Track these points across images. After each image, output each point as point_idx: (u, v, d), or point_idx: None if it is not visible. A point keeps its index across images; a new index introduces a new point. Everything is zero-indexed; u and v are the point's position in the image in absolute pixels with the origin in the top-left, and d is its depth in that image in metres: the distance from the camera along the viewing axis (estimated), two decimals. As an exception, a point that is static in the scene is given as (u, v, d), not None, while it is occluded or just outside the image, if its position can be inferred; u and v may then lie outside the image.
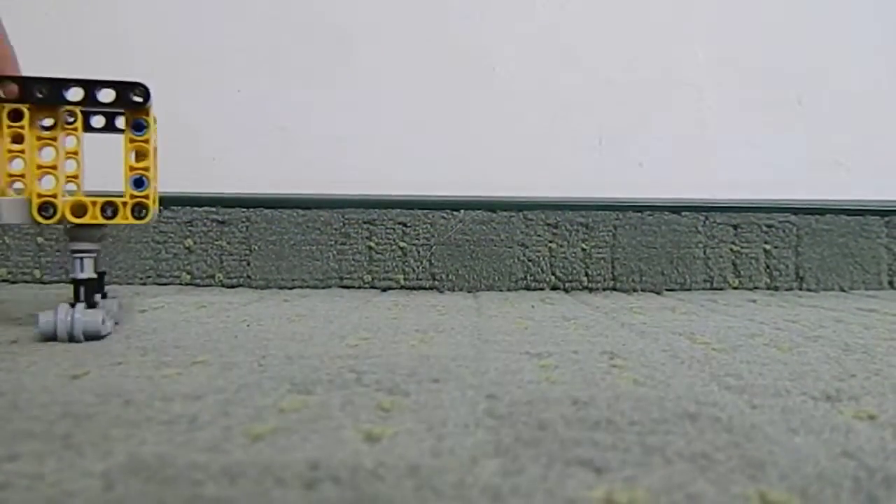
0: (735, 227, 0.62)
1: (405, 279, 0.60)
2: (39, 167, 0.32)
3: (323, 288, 0.59)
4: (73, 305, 0.32)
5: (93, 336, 0.31)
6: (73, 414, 0.19)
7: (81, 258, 0.33)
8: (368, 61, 0.66)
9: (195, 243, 0.60)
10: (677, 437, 0.18)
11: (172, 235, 0.60)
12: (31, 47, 0.67)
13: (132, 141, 0.33)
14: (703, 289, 0.61)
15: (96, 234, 0.34)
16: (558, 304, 0.50)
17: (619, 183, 0.65)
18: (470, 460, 0.16)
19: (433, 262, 0.60)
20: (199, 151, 0.65)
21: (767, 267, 0.62)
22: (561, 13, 0.67)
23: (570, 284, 0.60)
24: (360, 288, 0.60)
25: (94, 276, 0.33)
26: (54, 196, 0.32)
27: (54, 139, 0.32)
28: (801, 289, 0.62)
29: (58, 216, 0.32)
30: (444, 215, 0.60)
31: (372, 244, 0.60)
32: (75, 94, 0.31)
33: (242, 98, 0.65)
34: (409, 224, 0.60)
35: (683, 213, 0.61)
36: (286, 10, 0.66)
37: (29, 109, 0.32)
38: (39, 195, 0.32)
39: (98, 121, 0.35)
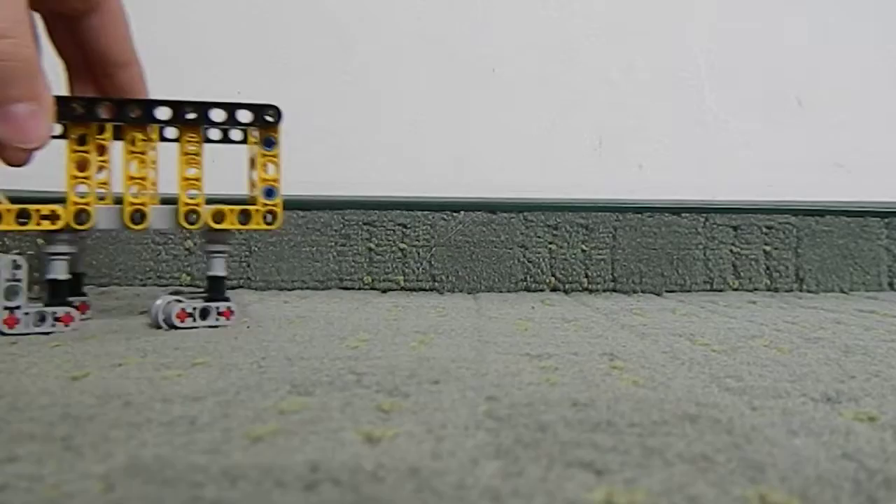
0: (735, 228, 0.62)
1: (405, 280, 0.60)
2: (185, 179, 0.36)
3: (323, 289, 0.59)
4: (210, 299, 0.37)
5: (171, 325, 0.36)
6: (72, 415, 0.19)
7: (216, 258, 0.37)
8: (368, 61, 0.66)
9: (195, 244, 0.60)
10: (677, 439, 0.18)
11: (172, 237, 0.60)
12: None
13: (263, 155, 0.37)
14: (703, 290, 0.61)
15: (230, 238, 0.38)
16: (558, 305, 0.50)
17: (619, 184, 0.65)
18: (470, 462, 0.16)
19: (433, 263, 0.60)
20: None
21: (767, 268, 0.62)
22: (561, 13, 0.67)
23: (570, 286, 0.60)
24: (359, 289, 0.60)
25: (225, 273, 0.37)
26: (198, 205, 0.36)
27: (198, 154, 0.36)
28: (801, 290, 0.62)
29: (200, 222, 0.36)
30: (444, 217, 0.60)
31: (372, 245, 0.60)
32: (218, 115, 0.36)
33: (242, 98, 0.65)
34: (408, 225, 0.60)
35: (683, 215, 0.61)
36: (286, 10, 0.66)
37: (178, 129, 0.36)
38: (186, 204, 0.36)
39: (214, 133, 0.39)
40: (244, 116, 0.36)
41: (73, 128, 0.34)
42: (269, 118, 0.37)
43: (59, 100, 0.32)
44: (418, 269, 0.60)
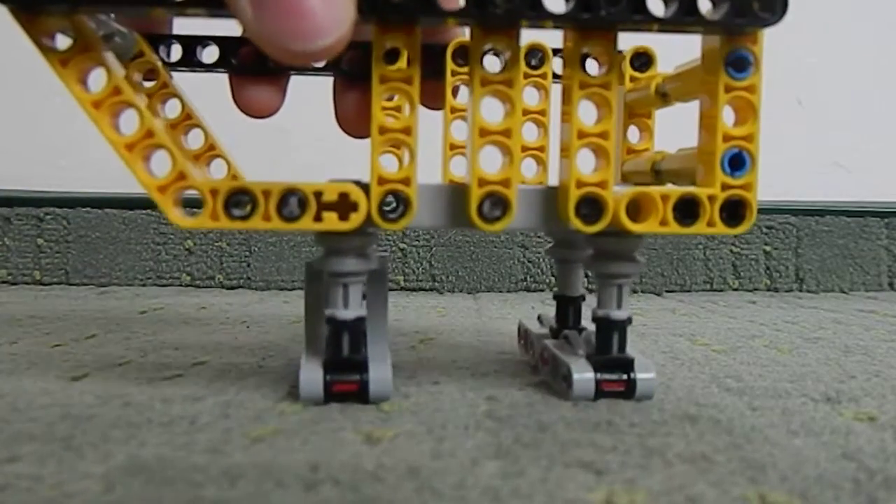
0: (735, 228, 0.62)
1: (405, 280, 0.60)
2: (581, 135, 0.19)
3: (323, 289, 0.59)
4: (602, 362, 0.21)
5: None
6: (72, 416, 0.19)
7: (614, 284, 0.21)
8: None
9: (195, 244, 0.60)
10: (677, 439, 0.18)
11: (172, 237, 0.60)
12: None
13: (727, 89, 0.20)
14: (703, 290, 0.61)
15: (638, 248, 0.21)
16: (558, 305, 0.50)
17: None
18: (470, 462, 0.16)
19: (433, 263, 0.60)
20: (200, 153, 0.65)
21: (767, 268, 0.62)
22: (561, 14, 0.67)
23: (570, 286, 0.60)
24: (360, 289, 0.60)
25: (628, 316, 0.22)
26: (602, 185, 0.19)
27: (608, 85, 0.19)
28: (801, 290, 0.62)
29: (606, 219, 0.19)
30: (444, 216, 0.60)
31: (372, 245, 0.60)
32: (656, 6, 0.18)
33: (242, 99, 0.65)
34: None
35: (683, 215, 0.61)
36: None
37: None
38: (580, 184, 0.19)
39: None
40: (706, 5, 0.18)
41: (380, 35, 0.19)
42: (762, 12, 0.19)
43: None
44: (418, 269, 0.60)
